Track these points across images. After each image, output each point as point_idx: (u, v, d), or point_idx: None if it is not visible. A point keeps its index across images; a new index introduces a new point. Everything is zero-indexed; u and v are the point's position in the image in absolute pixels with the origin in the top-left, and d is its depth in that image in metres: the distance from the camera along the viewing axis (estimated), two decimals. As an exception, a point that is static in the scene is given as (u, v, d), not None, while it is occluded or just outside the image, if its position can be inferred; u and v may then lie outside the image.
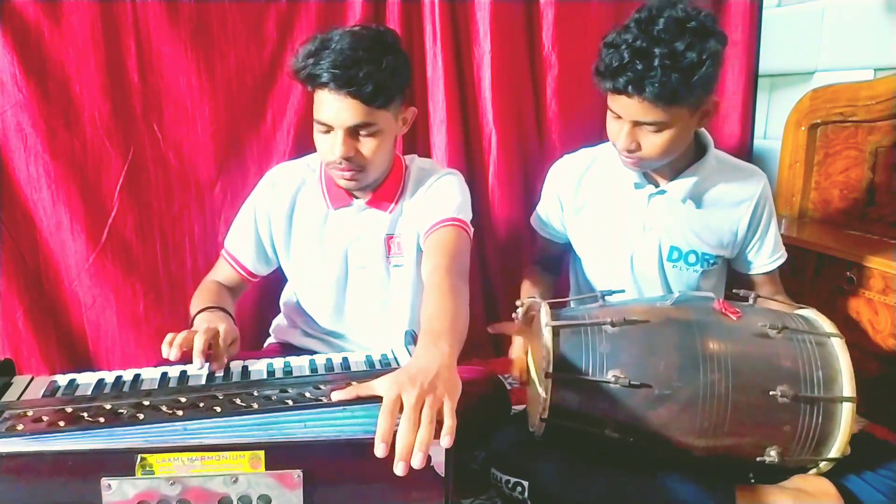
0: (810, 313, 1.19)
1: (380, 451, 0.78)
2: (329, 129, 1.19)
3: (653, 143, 1.21)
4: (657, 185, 1.35)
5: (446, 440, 0.80)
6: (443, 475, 0.84)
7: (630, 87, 1.14)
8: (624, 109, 1.19)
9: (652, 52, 1.11)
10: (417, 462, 0.78)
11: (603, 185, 1.41)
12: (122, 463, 0.81)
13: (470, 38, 1.74)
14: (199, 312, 1.21)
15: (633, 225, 1.37)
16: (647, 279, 1.39)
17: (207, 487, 0.82)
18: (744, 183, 1.36)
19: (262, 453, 0.82)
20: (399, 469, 0.78)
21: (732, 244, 1.37)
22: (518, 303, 1.41)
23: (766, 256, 1.39)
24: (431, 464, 0.81)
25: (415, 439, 0.79)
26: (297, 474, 0.83)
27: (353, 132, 1.19)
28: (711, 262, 1.37)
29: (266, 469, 0.82)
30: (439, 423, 0.81)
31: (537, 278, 1.50)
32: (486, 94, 1.75)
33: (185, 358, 1.04)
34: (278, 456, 0.83)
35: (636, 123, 1.20)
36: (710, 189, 1.35)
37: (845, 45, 1.77)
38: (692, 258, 1.37)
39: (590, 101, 1.85)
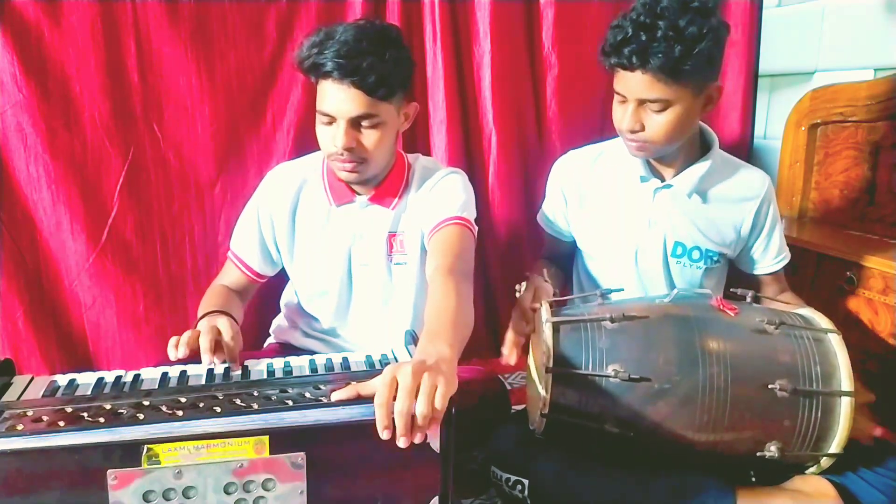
0: (807, 312, 1.20)
1: (385, 435, 0.80)
2: (332, 119, 1.20)
3: (657, 123, 1.23)
4: (663, 180, 1.36)
5: (439, 401, 0.81)
6: (437, 450, 0.86)
7: (634, 58, 1.17)
8: (628, 87, 1.21)
9: (655, 24, 1.15)
10: (417, 438, 0.81)
11: (608, 179, 1.41)
12: (128, 455, 0.82)
13: (470, 38, 1.74)
14: (202, 317, 1.22)
15: (639, 220, 1.38)
16: (651, 275, 1.40)
17: (213, 474, 0.84)
18: (748, 182, 1.37)
19: (266, 438, 0.84)
20: (402, 442, 0.80)
21: (735, 242, 1.38)
22: (518, 286, 1.39)
23: (770, 258, 1.40)
24: (427, 440, 0.83)
25: (411, 409, 0.80)
26: (300, 457, 0.85)
27: (355, 123, 1.20)
28: (714, 259, 1.37)
29: (270, 454, 0.84)
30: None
31: (546, 272, 1.47)
32: (486, 94, 1.75)
33: (193, 357, 1.05)
34: (282, 440, 0.84)
35: (641, 103, 1.22)
36: (715, 185, 1.36)
37: (845, 45, 1.76)
38: (696, 254, 1.37)
39: (590, 101, 1.85)
